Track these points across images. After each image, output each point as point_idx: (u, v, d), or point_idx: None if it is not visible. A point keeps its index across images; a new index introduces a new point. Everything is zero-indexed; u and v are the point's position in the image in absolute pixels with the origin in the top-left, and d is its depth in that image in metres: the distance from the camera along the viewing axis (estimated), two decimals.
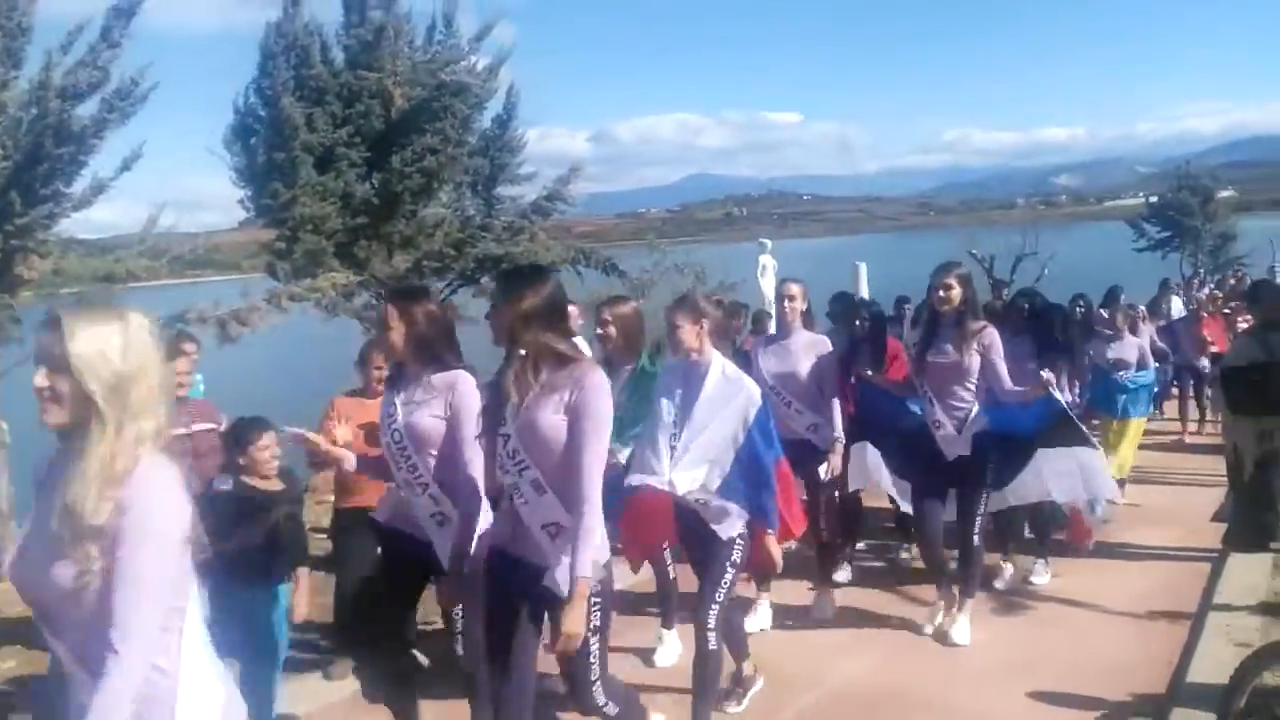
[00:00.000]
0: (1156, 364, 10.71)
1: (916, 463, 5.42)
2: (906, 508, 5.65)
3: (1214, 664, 4.42)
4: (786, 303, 5.64)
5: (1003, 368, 5.12)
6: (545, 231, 10.69)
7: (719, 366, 4.10)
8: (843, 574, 6.27)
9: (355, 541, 4.84)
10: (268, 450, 4.51)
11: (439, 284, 10.12)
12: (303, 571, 4.72)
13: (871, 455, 5.64)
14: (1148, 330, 10.24)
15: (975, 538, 5.21)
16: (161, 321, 6.95)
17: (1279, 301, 6.99)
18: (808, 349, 5.60)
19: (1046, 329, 6.71)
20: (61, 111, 6.47)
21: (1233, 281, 16.39)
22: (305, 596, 4.67)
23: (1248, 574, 5.92)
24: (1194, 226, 29.43)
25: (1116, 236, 33.41)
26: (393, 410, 3.64)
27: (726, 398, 4.02)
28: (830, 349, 5.66)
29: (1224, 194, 39.63)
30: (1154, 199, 32.19)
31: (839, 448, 5.54)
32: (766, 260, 15.52)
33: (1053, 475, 5.42)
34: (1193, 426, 11.08)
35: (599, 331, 4.98)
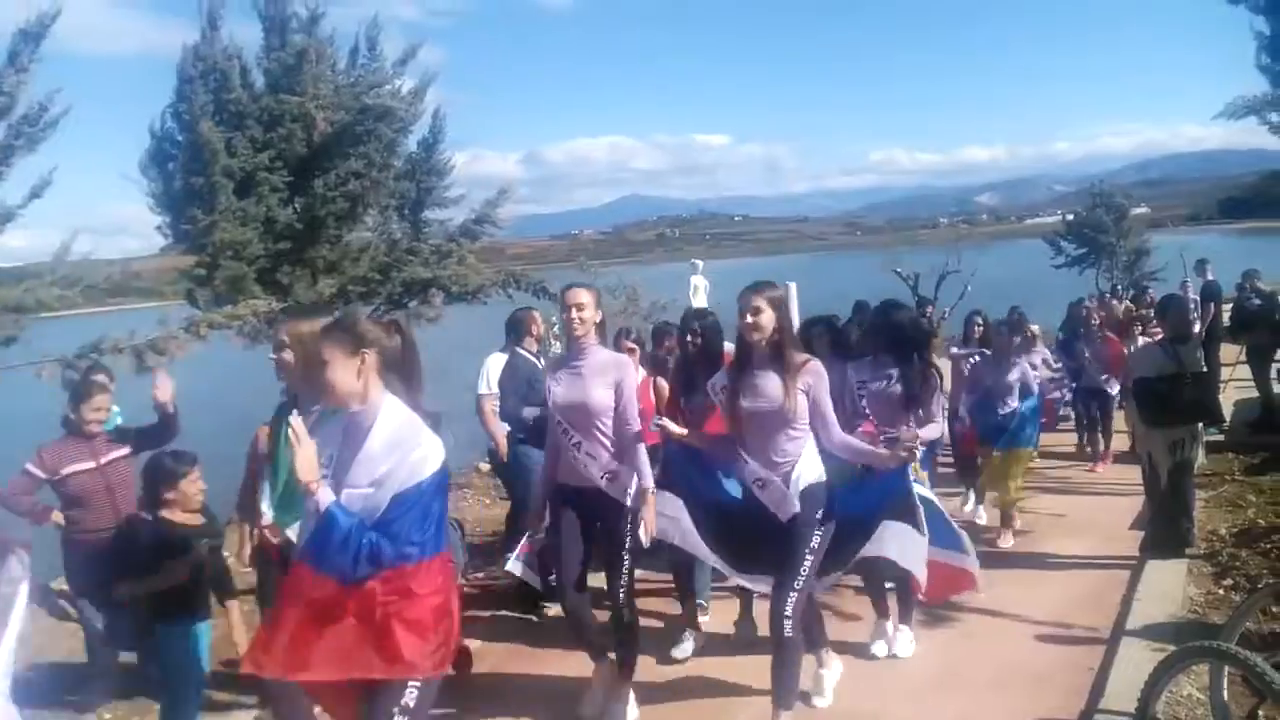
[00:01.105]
0: (1057, 385, 10.65)
1: (737, 537, 4.47)
2: (739, 580, 4.72)
3: (1133, 669, 4.53)
4: (574, 313, 4.43)
5: (830, 412, 4.26)
6: (476, 254, 10.60)
7: (391, 419, 3.04)
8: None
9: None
10: (197, 484, 4.44)
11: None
12: (232, 604, 4.63)
13: (686, 519, 4.58)
14: (1040, 351, 10.02)
15: (787, 626, 4.14)
16: (74, 353, 6.77)
17: (1187, 316, 7.27)
18: (603, 372, 4.48)
19: (905, 346, 5.41)
20: None
21: (1149, 298, 16.37)
22: (240, 629, 4.58)
23: (1164, 581, 6.09)
24: (1109, 243, 30.36)
25: (1036, 253, 34.34)
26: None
27: (391, 461, 2.97)
28: (631, 371, 4.68)
29: (1137, 211, 41.02)
30: (1070, 217, 33.16)
31: (650, 499, 4.47)
32: (698, 280, 15.63)
33: (889, 536, 4.65)
34: (1101, 465, 9.88)
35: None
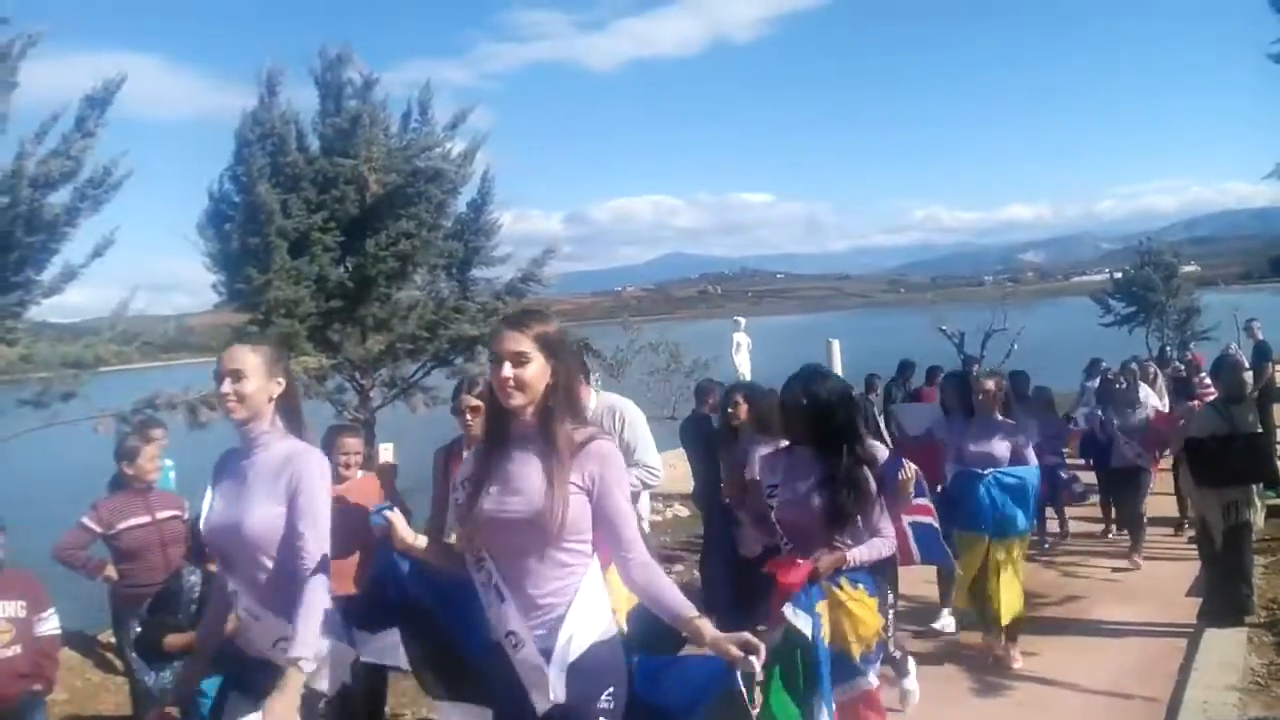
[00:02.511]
0: (1058, 460, 8.72)
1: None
2: None
3: None
4: (229, 384, 2.92)
5: (630, 524, 2.67)
6: None
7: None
8: None
9: None
10: None
11: (412, 366, 10.13)
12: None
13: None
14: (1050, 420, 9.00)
15: None
16: (130, 408, 6.93)
17: (1241, 376, 7.15)
18: (273, 478, 2.92)
19: (831, 434, 3.87)
20: (33, 200, 6.50)
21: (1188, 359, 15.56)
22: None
23: (1223, 650, 5.91)
24: (1159, 302, 29.98)
25: (1083, 312, 33.96)
26: None
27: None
28: (312, 466, 2.92)
29: (1186, 269, 40.52)
30: (1119, 275, 32.80)
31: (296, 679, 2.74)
32: (740, 338, 15.71)
33: None
34: (1130, 562, 8.31)
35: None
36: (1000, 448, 6.11)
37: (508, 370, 2.57)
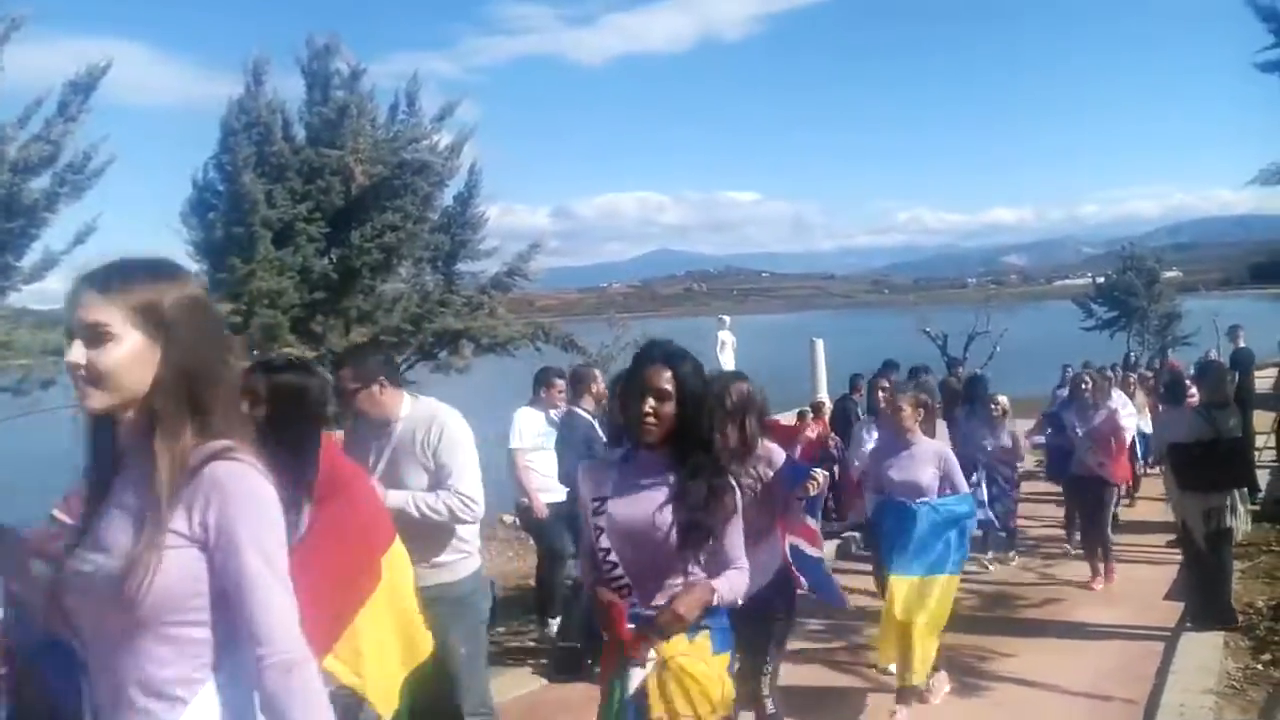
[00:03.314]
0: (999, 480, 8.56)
1: None
2: None
3: None
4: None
5: (269, 601, 1.66)
6: (506, 306, 10.72)
7: None
8: None
9: None
10: None
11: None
12: None
13: None
14: (1004, 431, 8.63)
15: None
16: None
17: (1224, 381, 7.20)
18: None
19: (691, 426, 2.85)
20: (13, 185, 6.43)
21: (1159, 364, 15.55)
22: None
23: (1200, 654, 5.96)
24: (1140, 306, 30.23)
25: (1065, 315, 34.20)
26: None
27: None
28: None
29: (1168, 274, 40.84)
30: (1100, 279, 33.06)
31: None
32: (725, 336, 15.73)
33: None
34: (1098, 583, 7.89)
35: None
36: (926, 474, 5.27)
37: (77, 353, 1.66)
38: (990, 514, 8.23)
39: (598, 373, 6.95)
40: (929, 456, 5.33)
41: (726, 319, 16.57)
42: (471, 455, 3.82)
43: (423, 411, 3.86)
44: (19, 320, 7.21)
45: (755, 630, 3.71)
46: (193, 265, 9.37)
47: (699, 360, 2.65)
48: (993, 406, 8.85)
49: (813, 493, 3.93)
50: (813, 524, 4.16)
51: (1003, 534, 8.83)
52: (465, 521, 3.78)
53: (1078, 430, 8.25)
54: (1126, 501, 10.19)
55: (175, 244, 9.29)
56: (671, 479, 2.81)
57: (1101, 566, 7.96)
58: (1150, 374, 14.19)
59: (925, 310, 28.82)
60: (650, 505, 2.79)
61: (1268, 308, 63.86)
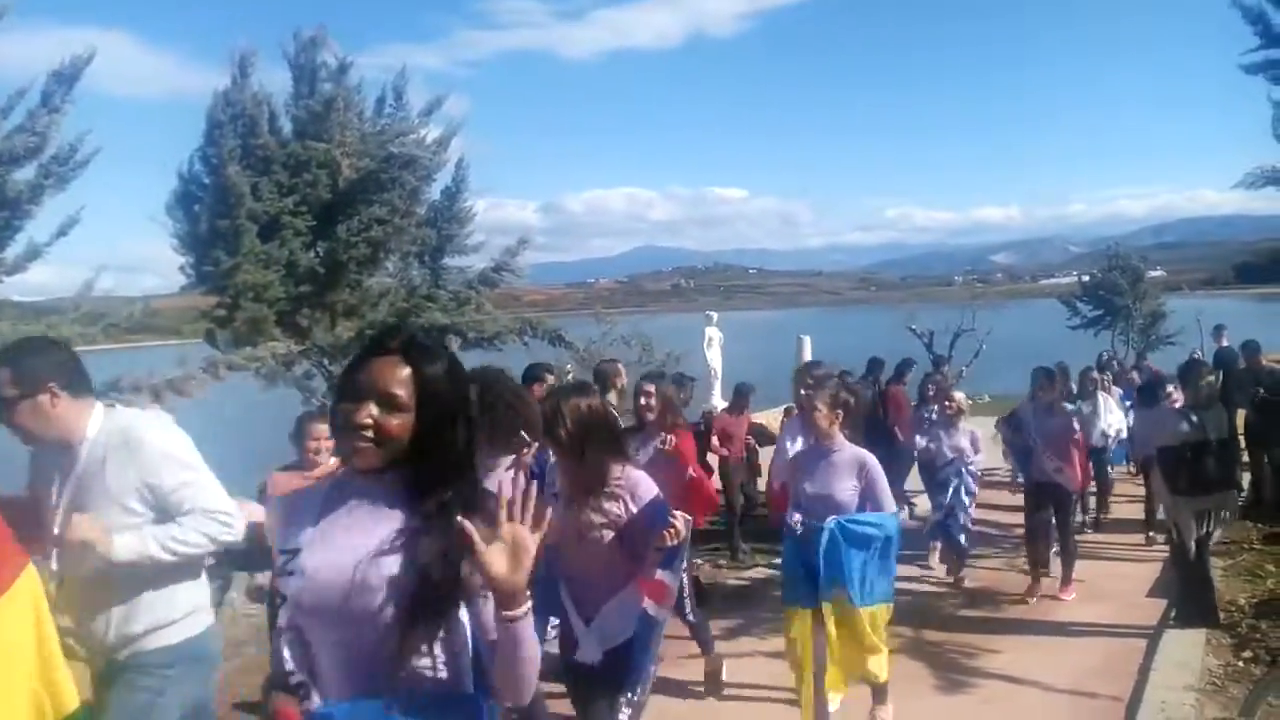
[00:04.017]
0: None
1: None
2: None
3: None
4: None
5: None
6: (493, 301, 10.68)
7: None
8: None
9: None
10: None
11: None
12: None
13: None
14: (962, 433, 8.15)
15: None
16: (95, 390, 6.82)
17: (1209, 382, 7.20)
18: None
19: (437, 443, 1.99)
20: None
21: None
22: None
23: (1182, 651, 6.00)
24: (1125, 306, 30.34)
25: (1051, 314, 34.32)
26: None
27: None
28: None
29: (1153, 274, 41.03)
30: (1086, 278, 33.19)
31: None
32: (712, 332, 15.71)
33: None
34: (1066, 594, 7.43)
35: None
36: (843, 487, 4.57)
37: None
38: (962, 522, 8.03)
39: (620, 366, 7.02)
40: (848, 465, 4.59)
41: (714, 315, 16.56)
42: (194, 463, 3.02)
43: (115, 425, 2.97)
44: (1, 312, 7.14)
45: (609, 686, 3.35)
46: (177, 258, 9.33)
47: (459, 360, 1.96)
48: (947, 404, 8.33)
49: (670, 543, 3.26)
50: (663, 578, 3.40)
51: (960, 545, 8.11)
52: (227, 542, 3.02)
53: (1035, 438, 7.59)
54: (1104, 514, 10.13)
55: (161, 236, 9.25)
56: (399, 517, 1.86)
57: (1065, 577, 7.54)
58: (1134, 372, 14.33)
59: (912, 308, 28.82)
60: (353, 556, 1.82)
61: (1251, 308, 64.34)
